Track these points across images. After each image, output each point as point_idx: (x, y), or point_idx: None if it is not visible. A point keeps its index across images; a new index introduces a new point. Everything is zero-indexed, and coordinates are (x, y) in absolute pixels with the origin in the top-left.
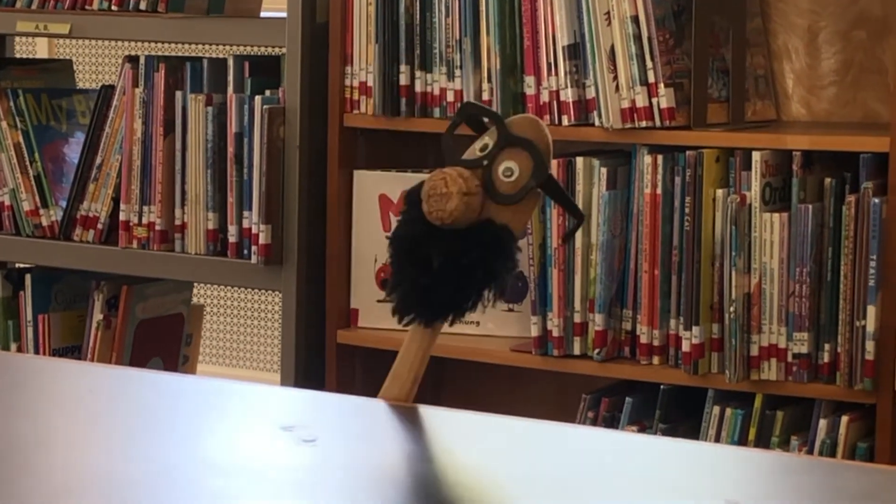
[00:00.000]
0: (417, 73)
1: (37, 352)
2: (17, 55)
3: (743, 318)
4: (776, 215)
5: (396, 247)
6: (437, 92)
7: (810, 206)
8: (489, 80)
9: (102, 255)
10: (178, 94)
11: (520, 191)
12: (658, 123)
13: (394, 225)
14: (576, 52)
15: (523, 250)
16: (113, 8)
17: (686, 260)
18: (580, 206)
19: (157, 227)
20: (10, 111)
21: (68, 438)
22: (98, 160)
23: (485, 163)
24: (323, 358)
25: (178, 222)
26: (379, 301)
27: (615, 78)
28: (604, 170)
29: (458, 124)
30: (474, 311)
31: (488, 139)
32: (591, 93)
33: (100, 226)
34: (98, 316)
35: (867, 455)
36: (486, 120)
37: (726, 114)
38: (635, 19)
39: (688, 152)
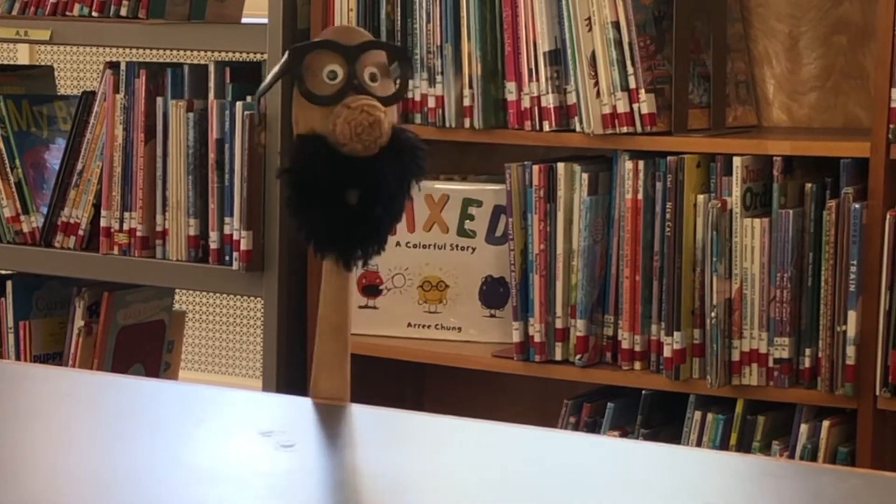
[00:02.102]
0: None
1: (18, 358)
2: None
3: (724, 324)
4: (757, 220)
5: (313, 194)
6: (417, 98)
7: (791, 212)
8: (470, 86)
9: (83, 261)
10: (159, 100)
11: (400, 87)
12: (639, 129)
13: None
14: (557, 57)
15: (504, 256)
16: (94, 14)
17: (667, 265)
18: (561, 213)
19: (139, 234)
20: None
21: (47, 444)
22: (79, 166)
23: (355, 81)
24: (305, 364)
25: (159, 228)
26: (361, 307)
27: (596, 84)
28: (585, 175)
29: (299, 70)
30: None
31: (331, 65)
32: (572, 98)
33: (81, 232)
34: (79, 322)
35: (848, 460)
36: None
37: (707, 119)
38: (616, 25)
39: (669, 158)
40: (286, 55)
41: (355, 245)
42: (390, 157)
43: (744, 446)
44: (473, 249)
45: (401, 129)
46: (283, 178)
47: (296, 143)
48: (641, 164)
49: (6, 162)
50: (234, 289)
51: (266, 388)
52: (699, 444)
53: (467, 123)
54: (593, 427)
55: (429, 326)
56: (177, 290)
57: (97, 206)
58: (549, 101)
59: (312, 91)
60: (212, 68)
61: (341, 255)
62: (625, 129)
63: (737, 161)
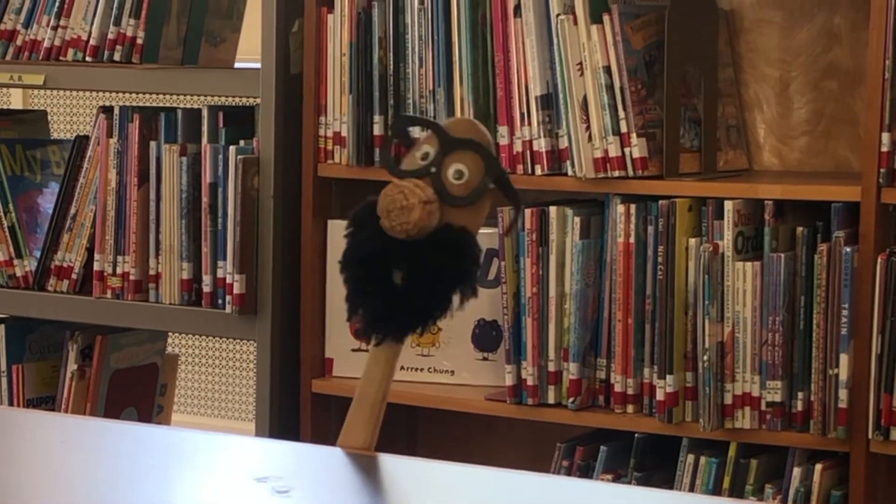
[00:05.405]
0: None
1: (11, 402)
2: None
3: (716, 367)
4: (749, 264)
5: (356, 268)
6: None
7: (782, 255)
8: None
9: (77, 305)
10: (153, 144)
11: (475, 190)
12: (631, 173)
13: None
14: (549, 102)
15: (497, 299)
16: (87, 59)
17: (659, 309)
18: (554, 257)
19: (132, 277)
20: None
21: (42, 491)
22: (72, 210)
23: (433, 170)
24: (298, 407)
25: (152, 272)
26: (353, 350)
27: (588, 128)
28: (577, 219)
29: (393, 139)
30: (444, 318)
31: (427, 147)
32: (563, 142)
33: (74, 276)
34: (72, 366)
35: (841, 503)
36: (418, 131)
37: (698, 163)
38: (607, 70)
39: (660, 202)
40: (393, 121)
41: (380, 320)
42: (426, 249)
43: (737, 490)
44: None
45: (456, 231)
46: (345, 235)
47: (362, 204)
48: (633, 207)
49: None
50: (228, 332)
51: (259, 432)
52: (692, 487)
53: None
54: (586, 470)
55: (421, 369)
56: (170, 334)
57: (90, 250)
58: (541, 145)
59: (391, 159)
60: (205, 112)
61: (365, 325)
62: (616, 173)
63: (728, 205)
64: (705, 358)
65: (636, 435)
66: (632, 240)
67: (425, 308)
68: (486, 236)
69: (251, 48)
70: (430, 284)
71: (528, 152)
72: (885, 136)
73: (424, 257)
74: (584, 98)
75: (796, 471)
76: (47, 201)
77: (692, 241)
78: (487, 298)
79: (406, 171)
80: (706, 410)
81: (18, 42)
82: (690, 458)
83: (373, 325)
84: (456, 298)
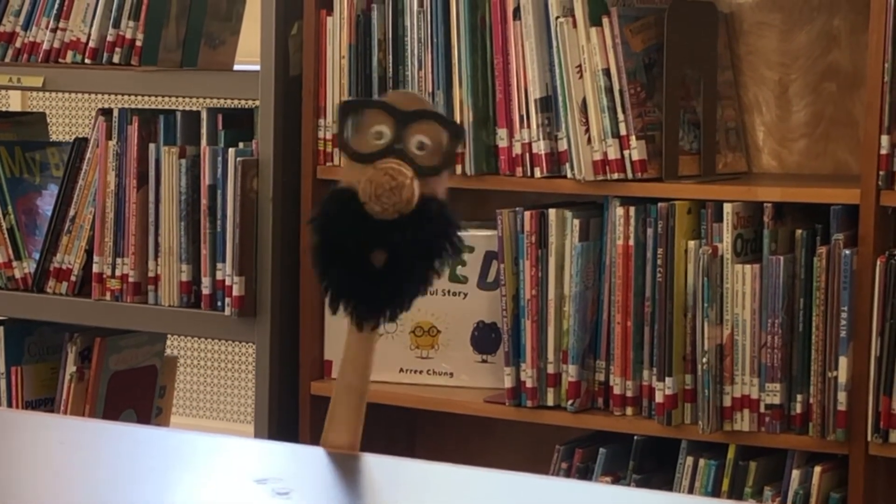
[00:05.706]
0: None
1: (10, 404)
2: None
3: (715, 369)
4: (748, 267)
5: (340, 259)
6: None
7: (782, 258)
8: None
9: (76, 307)
10: (152, 146)
11: (446, 156)
12: (630, 175)
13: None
14: (548, 104)
15: (496, 301)
16: (86, 61)
17: (658, 311)
18: (553, 259)
19: (131, 279)
20: None
21: (39, 491)
22: (71, 212)
23: (397, 146)
24: (297, 409)
25: (151, 274)
26: None
27: (587, 130)
28: (576, 221)
29: (345, 124)
30: (430, 286)
31: (379, 126)
32: (563, 145)
33: (73, 278)
34: (71, 368)
35: None
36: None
37: (698, 166)
38: (607, 72)
39: (660, 204)
40: (339, 107)
41: (368, 306)
42: (413, 224)
43: (735, 492)
44: (465, 295)
45: (435, 200)
46: (310, 227)
47: (329, 194)
48: (632, 210)
49: None
50: (227, 334)
51: (258, 434)
52: (691, 489)
53: (459, 170)
54: (585, 472)
55: (420, 372)
56: (169, 336)
57: (89, 252)
58: (541, 147)
59: (352, 146)
60: (204, 115)
61: (353, 313)
62: (616, 176)
63: (727, 207)
64: (704, 360)
65: (635, 437)
66: (631, 242)
67: (416, 283)
68: (485, 238)
69: (250, 50)
70: (421, 257)
71: (528, 155)
72: (885, 139)
73: (416, 232)
74: (584, 100)
75: (795, 473)
76: (46, 203)
77: (691, 243)
78: (487, 301)
79: (375, 154)
80: (705, 413)
81: (17, 44)
82: (689, 460)
83: (367, 312)
84: (439, 265)
